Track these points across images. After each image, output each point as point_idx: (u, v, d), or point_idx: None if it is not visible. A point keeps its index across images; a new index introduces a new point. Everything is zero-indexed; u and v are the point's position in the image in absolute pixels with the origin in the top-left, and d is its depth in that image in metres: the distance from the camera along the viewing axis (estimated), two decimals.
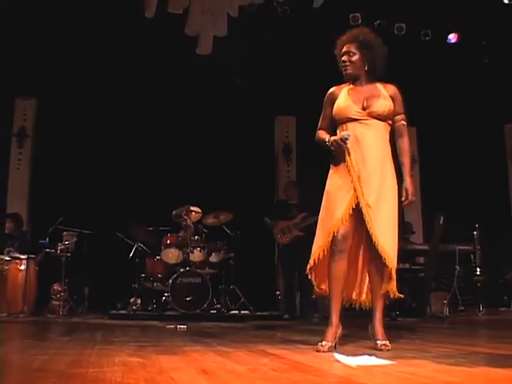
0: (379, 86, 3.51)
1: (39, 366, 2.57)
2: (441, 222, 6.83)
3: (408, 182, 3.44)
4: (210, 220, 7.71)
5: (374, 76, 3.52)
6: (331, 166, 3.50)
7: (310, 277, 3.47)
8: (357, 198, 3.32)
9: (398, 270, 3.37)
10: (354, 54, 3.47)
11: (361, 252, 3.55)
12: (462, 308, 7.28)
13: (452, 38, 8.41)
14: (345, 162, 3.39)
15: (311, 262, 3.40)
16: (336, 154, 3.43)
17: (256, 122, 8.98)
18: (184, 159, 8.69)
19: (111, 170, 8.59)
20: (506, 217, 9.78)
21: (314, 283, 3.51)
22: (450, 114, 9.11)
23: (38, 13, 7.35)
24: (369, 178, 3.33)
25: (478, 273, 7.37)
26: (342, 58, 3.50)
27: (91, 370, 2.43)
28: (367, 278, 3.54)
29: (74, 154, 8.51)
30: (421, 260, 7.77)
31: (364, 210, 3.29)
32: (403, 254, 6.83)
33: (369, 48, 3.46)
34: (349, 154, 3.38)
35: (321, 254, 3.35)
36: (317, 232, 3.44)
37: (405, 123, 3.54)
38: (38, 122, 8.94)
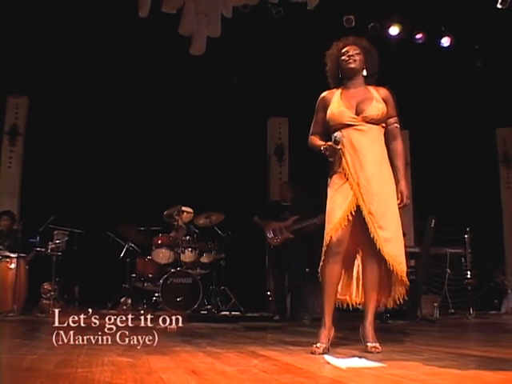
0: (371, 89, 3.52)
1: (28, 365, 2.56)
2: (432, 225, 6.84)
3: (403, 184, 3.44)
4: (201, 220, 7.69)
5: (368, 83, 3.55)
6: (329, 173, 3.47)
7: (320, 279, 3.39)
8: (356, 203, 3.31)
9: None
10: (359, 54, 3.49)
11: (357, 256, 3.54)
12: (453, 311, 7.29)
13: (445, 41, 8.45)
14: (341, 167, 3.38)
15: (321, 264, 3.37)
16: (332, 161, 3.41)
17: (249, 123, 8.97)
18: (176, 159, 8.67)
19: (103, 169, 8.56)
20: (497, 220, 9.82)
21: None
22: (442, 117, 9.13)
23: (31, 11, 7.33)
24: (368, 184, 3.32)
25: (469, 276, 7.40)
26: (348, 53, 3.48)
27: (80, 369, 2.42)
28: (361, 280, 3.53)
29: (66, 153, 8.48)
30: (412, 263, 7.78)
31: (367, 218, 3.29)
32: None
33: (371, 55, 3.52)
34: (346, 161, 3.36)
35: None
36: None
37: (398, 126, 3.55)
38: (30, 120, 8.89)
